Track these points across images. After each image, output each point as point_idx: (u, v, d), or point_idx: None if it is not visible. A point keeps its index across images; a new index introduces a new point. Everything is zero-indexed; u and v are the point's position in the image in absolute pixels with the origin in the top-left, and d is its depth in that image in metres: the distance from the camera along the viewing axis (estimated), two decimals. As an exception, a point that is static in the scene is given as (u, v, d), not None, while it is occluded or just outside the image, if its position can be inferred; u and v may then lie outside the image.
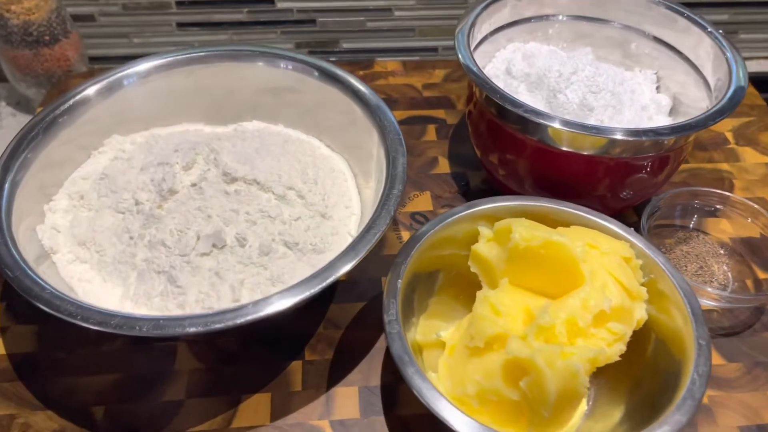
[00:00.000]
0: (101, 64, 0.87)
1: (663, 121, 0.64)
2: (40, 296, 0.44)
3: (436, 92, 0.81)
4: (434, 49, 0.91)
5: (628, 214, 0.66)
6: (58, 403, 0.51)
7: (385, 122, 0.57)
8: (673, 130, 0.53)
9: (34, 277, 0.45)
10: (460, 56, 0.61)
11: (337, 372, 0.53)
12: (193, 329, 0.42)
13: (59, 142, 0.57)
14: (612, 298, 0.46)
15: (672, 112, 0.66)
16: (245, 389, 0.52)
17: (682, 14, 0.65)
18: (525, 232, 0.47)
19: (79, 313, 0.43)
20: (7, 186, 0.52)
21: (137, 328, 0.42)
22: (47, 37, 0.74)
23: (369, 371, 0.54)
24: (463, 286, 0.55)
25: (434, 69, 0.84)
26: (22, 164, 0.54)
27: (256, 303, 0.43)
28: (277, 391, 0.52)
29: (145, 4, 0.81)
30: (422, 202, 0.68)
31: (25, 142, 0.55)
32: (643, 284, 0.49)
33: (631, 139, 0.53)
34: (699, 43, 0.64)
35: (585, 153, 0.56)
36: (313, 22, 0.84)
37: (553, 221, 0.53)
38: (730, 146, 0.74)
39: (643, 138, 0.52)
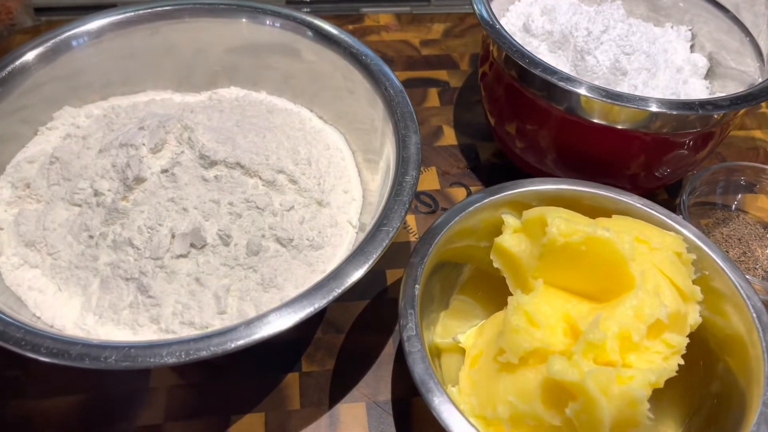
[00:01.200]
0: (49, 16, 0.75)
1: (699, 85, 0.56)
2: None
3: (436, 50, 0.72)
4: None
5: (658, 192, 0.59)
6: (11, 433, 0.43)
7: (392, 91, 0.48)
8: (733, 101, 0.45)
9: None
10: (476, 8, 0.52)
11: (340, 385, 0.46)
12: (172, 360, 0.34)
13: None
14: (668, 304, 0.39)
15: (708, 74, 0.58)
16: (235, 409, 0.45)
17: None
18: (564, 225, 0.40)
19: (27, 340, 0.34)
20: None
21: (102, 359, 0.34)
22: None
23: (377, 383, 0.46)
24: (483, 283, 0.48)
25: (432, 23, 0.75)
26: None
27: (249, 323, 0.35)
28: (272, 410, 0.45)
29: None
30: (428, 180, 0.60)
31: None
32: (695, 281, 0.43)
33: (678, 113, 0.45)
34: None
35: (619, 127, 0.48)
36: None
37: (588, 208, 0.46)
38: (762, 110, 0.67)
39: (698, 112, 0.45)
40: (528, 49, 0.56)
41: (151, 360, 0.34)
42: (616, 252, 0.39)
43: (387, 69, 0.49)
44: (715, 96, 0.46)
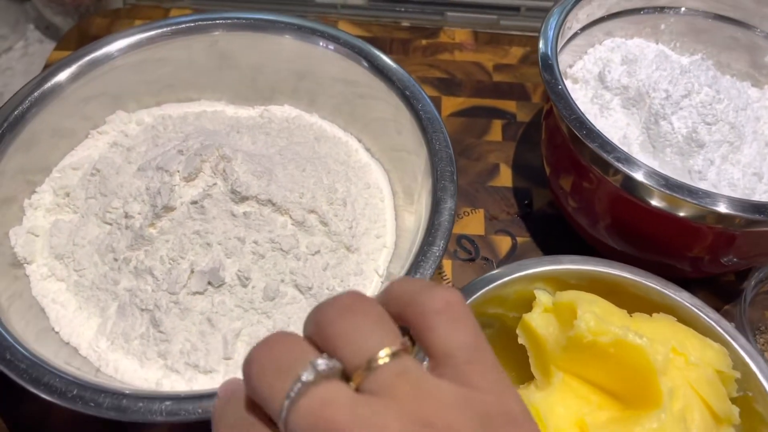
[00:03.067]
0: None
1: None
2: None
3: (509, 77, 0.68)
4: (516, 8, 0.76)
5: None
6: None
7: (437, 143, 0.45)
8: None
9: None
10: (540, 44, 0.49)
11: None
12: (160, 418, 0.34)
13: (58, 107, 0.49)
14: (693, 430, 0.36)
15: None
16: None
17: None
18: (593, 322, 0.37)
19: (29, 373, 0.35)
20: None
21: (92, 404, 0.34)
22: None
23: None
24: (508, 346, 0.45)
25: (510, 46, 0.70)
26: (10, 137, 0.46)
27: None
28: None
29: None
30: (473, 223, 0.57)
31: (17, 111, 0.47)
32: (735, 399, 0.39)
33: (747, 216, 0.40)
34: None
35: (681, 215, 0.43)
36: None
37: (631, 296, 0.42)
38: None
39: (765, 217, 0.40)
40: (598, 102, 0.52)
41: (141, 416, 0.34)
42: (647, 362, 0.36)
43: (439, 119, 0.46)
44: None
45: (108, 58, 0.51)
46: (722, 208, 0.41)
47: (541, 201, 0.59)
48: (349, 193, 0.48)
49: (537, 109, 0.65)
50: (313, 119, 0.55)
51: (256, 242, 0.43)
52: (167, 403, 0.34)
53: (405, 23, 0.72)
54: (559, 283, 0.42)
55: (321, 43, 0.52)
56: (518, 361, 0.43)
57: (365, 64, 0.50)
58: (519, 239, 0.56)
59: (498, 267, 0.53)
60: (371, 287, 0.46)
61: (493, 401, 0.22)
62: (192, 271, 0.42)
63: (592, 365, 0.39)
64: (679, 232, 0.46)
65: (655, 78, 0.51)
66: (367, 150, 0.54)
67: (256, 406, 0.23)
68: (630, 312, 0.40)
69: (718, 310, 0.53)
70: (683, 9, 0.56)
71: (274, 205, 0.44)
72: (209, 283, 0.42)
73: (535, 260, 0.43)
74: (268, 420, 0.22)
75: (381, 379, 0.21)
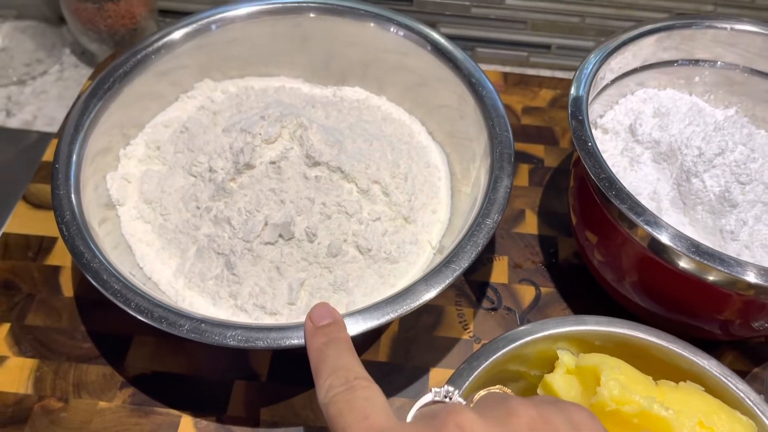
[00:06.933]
0: (173, 18, 0.76)
1: None
2: (89, 266, 0.41)
3: (538, 120, 0.67)
4: (547, 46, 0.76)
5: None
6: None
7: (498, 127, 0.49)
8: None
9: (89, 242, 0.42)
10: (572, 89, 0.49)
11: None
12: (233, 343, 0.38)
13: (152, 74, 0.54)
14: None
15: None
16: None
17: None
18: (617, 390, 0.36)
19: (122, 293, 0.40)
20: (87, 122, 0.49)
21: (176, 325, 0.39)
22: None
23: None
24: None
25: (540, 88, 0.70)
26: (110, 96, 0.51)
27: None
28: None
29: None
30: (497, 270, 0.55)
31: (117, 74, 0.52)
32: None
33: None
34: None
35: (709, 280, 0.42)
36: (410, 0, 0.73)
37: (657, 361, 0.41)
38: None
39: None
40: (629, 155, 0.52)
41: (217, 338, 0.38)
42: None
43: (500, 105, 0.50)
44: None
45: (201, 31, 0.56)
46: (752, 278, 0.39)
47: (567, 250, 0.57)
48: (410, 170, 0.52)
49: (565, 154, 0.65)
50: (381, 101, 0.59)
51: (324, 204, 0.47)
52: (239, 330, 0.39)
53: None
54: (583, 343, 0.41)
55: (393, 29, 0.56)
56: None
57: (434, 52, 0.54)
58: (543, 289, 0.55)
59: (520, 319, 0.52)
60: (424, 256, 0.50)
61: None
62: (266, 224, 0.46)
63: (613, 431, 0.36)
64: (708, 297, 0.44)
65: (688, 134, 0.50)
66: (430, 133, 0.58)
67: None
68: (656, 377, 0.39)
69: (747, 372, 0.50)
70: (720, 63, 0.55)
71: (342, 172, 0.49)
72: (280, 235, 0.46)
73: (559, 320, 0.42)
74: None
75: None
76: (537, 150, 0.65)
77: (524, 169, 0.63)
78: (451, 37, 0.55)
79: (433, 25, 0.73)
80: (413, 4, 0.72)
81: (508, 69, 0.77)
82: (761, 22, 0.54)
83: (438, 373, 0.50)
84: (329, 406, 0.29)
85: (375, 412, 0.28)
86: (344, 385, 0.30)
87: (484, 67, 0.76)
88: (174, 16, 0.77)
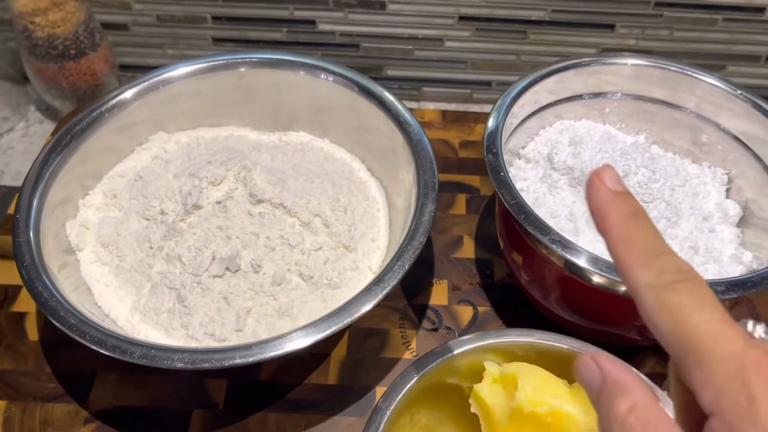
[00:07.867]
0: (134, 72, 0.82)
1: (728, 233, 0.54)
2: (47, 304, 0.45)
3: (474, 152, 0.72)
4: (488, 83, 0.82)
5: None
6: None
7: (423, 159, 0.54)
8: (730, 287, 0.43)
9: (47, 283, 0.46)
10: (489, 122, 0.54)
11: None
12: (180, 365, 0.42)
13: (108, 129, 0.58)
14: None
15: (741, 222, 0.55)
16: None
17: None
18: (532, 393, 0.39)
19: (77, 327, 0.44)
20: (47, 175, 0.53)
21: (128, 353, 0.42)
22: (73, 51, 0.69)
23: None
24: (464, 415, 0.45)
25: (476, 123, 0.75)
26: (68, 151, 0.55)
27: (263, 343, 0.42)
28: None
29: (180, 17, 0.75)
30: (438, 293, 0.60)
31: (74, 131, 0.56)
32: None
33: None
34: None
35: (621, 292, 0.45)
36: (356, 46, 0.78)
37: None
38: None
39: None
40: (547, 181, 0.57)
41: (165, 362, 0.42)
42: (582, 430, 0.39)
43: (425, 140, 0.55)
44: (718, 279, 0.43)
45: (151, 89, 0.61)
46: None
47: (502, 271, 0.61)
48: (349, 203, 0.56)
49: (496, 185, 0.70)
50: (324, 143, 0.64)
51: (268, 237, 0.52)
52: (186, 354, 0.42)
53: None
54: (508, 354, 0.44)
55: (323, 76, 0.61)
56: (477, 430, 0.44)
57: (362, 94, 0.60)
58: (480, 308, 0.59)
59: (459, 336, 0.54)
60: (364, 282, 0.54)
61: None
62: (213, 258, 0.50)
63: None
64: (622, 306, 0.48)
65: (597, 159, 0.55)
66: (369, 170, 0.62)
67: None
68: (573, 381, 0.41)
69: (665, 375, 0.56)
70: (619, 94, 0.61)
71: (285, 207, 0.53)
72: (227, 268, 0.50)
73: (483, 334, 0.45)
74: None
75: None
76: (473, 180, 0.70)
77: (462, 198, 0.68)
78: (397, 79, 0.60)
79: (380, 69, 0.79)
80: (359, 50, 0.78)
81: (453, 106, 0.82)
82: (654, 56, 0.60)
83: (383, 391, 0.52)
84: (665, 291, 0.24)
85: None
86: (683, 273, 0.24)
87: (430, 105, 0.82)
88: (135, 70, 0.82)
